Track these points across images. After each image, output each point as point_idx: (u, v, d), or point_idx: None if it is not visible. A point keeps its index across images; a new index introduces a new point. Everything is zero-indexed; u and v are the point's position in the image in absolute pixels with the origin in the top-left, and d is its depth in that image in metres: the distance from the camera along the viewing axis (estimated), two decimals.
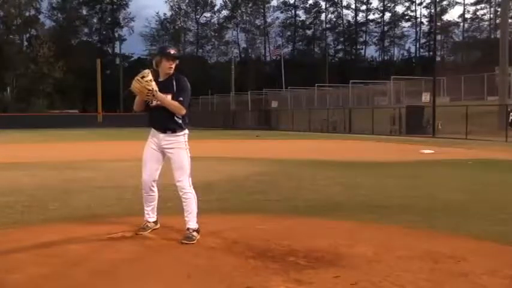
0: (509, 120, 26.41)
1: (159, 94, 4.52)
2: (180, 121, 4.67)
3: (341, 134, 32.97)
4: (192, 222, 4.61)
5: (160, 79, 4.65)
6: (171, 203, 6.33)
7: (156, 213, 4.98)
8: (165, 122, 4.66)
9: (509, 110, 26.83)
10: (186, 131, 4.75)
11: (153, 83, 4.49)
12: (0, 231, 5.08)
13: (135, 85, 4.51)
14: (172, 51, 4.65)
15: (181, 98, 4.60)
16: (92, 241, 4.60)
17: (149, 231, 4.84)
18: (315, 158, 13.99)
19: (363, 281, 3.46)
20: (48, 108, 58.53)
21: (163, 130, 4.68)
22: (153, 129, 4.80)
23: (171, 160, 4.73)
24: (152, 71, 4.60)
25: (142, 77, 4.46)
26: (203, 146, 17.83)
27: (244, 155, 14.94)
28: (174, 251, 4.31)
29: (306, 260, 3.97)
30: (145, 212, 4.94)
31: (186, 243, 4.44)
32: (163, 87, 4.58)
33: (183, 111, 4.63)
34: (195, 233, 4.56)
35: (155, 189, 4.91)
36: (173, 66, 4.64)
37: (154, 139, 4.76)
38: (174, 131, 4.66)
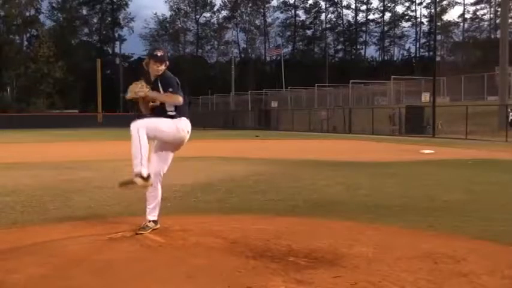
0: (509, 120, 26.42)
1: (152, 93, 4.66)
2: (174, 113, 4.75)
3: (341, 134, 32.98)
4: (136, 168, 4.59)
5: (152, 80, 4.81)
6: (170, 203, 6.34)
7: (157, 213, 4.97)
8: (161, 115, 4.77)
9: (509, 110, 26.85)
10: (183, 118, 4.80)
11: (144, 88, 4.69)
12: (0, 231, 5.08)
13: (128, 90, 4.73)
14: (159, 53, 4.76)
15: (170, 89, 4.66)
16: (92, 241, 4.59)
17: (149, 231, 4.84)
18: (315, 158, 13.98)
19: (363, 281, 3.46)
20: (48, 108, 58.55)
21: None
22: None
23: None
24: (143, 79, 4.79)
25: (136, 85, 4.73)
26: (203, 146, 17.83)
27: (244, 155, 14.94)
28: (174, 251, 4.31)
29: (306, 260, 3.97)
30: (147, 211, 4.94)
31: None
32: (152, 89, 4.74)
33: (180, 99, 4.67)
34: (138, 178, 4.57)
35: (159, 186, 4.90)
36: (161, 67, 4.73)
37: None
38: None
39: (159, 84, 4.72)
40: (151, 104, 4.80)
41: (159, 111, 4.76)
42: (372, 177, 9.56)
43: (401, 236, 4.84)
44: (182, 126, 4.80)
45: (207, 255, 4.14)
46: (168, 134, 4.75)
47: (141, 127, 4.59)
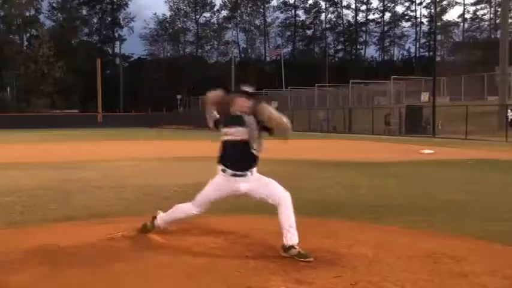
0: (509, 120, 26.41)
1: (264, 107, 4.09)
2: (258, 153, 4.22)
3: (341, 134, 32.96)
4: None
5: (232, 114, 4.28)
6: (171, 203, 6.33)
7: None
8: (245, 160, 4.18)
9: (509, 110, 26.83)
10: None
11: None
12: (0, 231, 5.08)
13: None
14: (250, 89, 4.27)
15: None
16: (92, 241, 4.59)
17: (150, 231, 4.82)
18: (315, 158, 13.98)
19: (363, 281, 3.46)
20: (48, 108, 58.56)
21: (244, 169, 4.20)
22: (227, 170, 4.25)
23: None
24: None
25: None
26: (203, 145, 17.80)
27: None
28: (174, 251, 4.31)
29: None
30: (161, 219, 4.66)
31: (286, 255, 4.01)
32: (230, 122, 4.25)
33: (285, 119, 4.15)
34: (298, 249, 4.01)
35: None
36: (247, 105, 4.16)
37: (230, 184, 4.28)
38: (252, 167, 4.24)
39: (247, 119, 4.11)
40: (229, 137, 4.24)
41: (242, 148, 4.13)
42: (372, 177, 9.56)
43: (401, 236, 4.83)
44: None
45: (207, 255, 4.14)
46: None
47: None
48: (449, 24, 76.30)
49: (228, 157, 4.23)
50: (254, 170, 4.24)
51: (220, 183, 4.30)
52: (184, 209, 4.49)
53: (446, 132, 26.99)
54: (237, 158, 4.19)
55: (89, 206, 6.44)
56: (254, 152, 4.16)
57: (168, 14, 79.96)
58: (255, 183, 4.23)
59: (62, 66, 60.57)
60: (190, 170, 10.13)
